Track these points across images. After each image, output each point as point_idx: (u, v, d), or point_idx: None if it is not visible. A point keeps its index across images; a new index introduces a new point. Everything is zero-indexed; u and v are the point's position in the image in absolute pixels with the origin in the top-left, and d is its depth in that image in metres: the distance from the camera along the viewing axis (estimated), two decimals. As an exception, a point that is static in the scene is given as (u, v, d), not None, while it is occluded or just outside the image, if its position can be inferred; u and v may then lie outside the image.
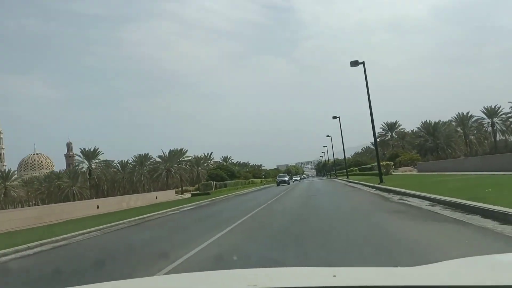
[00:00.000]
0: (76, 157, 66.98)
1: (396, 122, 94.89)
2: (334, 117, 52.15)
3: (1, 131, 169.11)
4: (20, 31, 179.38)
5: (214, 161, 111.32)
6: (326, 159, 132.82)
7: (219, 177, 68.47)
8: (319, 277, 1.46)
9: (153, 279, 2.28)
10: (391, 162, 43.33)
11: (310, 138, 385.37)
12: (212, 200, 31.99)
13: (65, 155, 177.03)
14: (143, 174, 71.13)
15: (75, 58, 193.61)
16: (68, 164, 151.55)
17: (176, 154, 74.00)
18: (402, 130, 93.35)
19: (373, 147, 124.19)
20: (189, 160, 78.09)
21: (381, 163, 37.14)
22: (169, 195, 40.81)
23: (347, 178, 46.03)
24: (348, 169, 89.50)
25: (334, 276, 1.26)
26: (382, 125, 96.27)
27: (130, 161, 76.69)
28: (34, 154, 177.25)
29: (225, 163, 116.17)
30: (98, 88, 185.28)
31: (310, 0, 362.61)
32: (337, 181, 46.98)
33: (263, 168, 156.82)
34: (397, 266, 1.70)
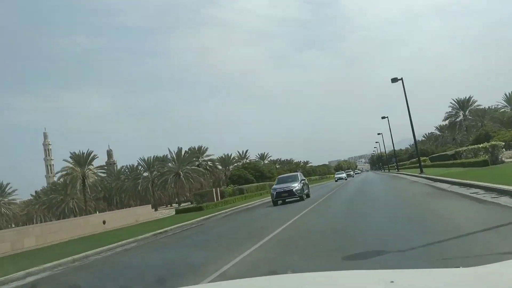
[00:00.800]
0: (67, 164, 55.32)
1: (469, 98, 74.98)
2: (383, 117, 52.65)
3: (50, 143, 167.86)
4: (72, 47, 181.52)
5: (250, 160, 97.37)
6: (380, 151, 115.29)
7: (243, 179, 53.62)
8: (375, 283, 1.43)
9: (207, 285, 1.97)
10: (500, 143, 26.00)
11: (361, 132, 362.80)
12: (181, 227, 17.25)
13: (106, 163, 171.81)
14: (153, 180, 58.16)
15: (125, 71, 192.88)
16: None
17: (192, 154, 60.01)
18: (479, 107, 73.42)
19: (438, 133, 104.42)
20: (210, 160, 63.88)
21: (486, 145, 21.59)
22: (139, 214, 26.35)
23: (422, 172, 29.12)
24: (412, 160, 71.18)
25: (392, 282, 1.20)
26: (451, 103, 76.83)
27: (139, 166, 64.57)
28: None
29: (262, 161, 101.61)
30: (148, 98, 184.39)
31: None
32: (408, 178, 29.27)
33: (310, 165, 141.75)
34: (459, 267, 1.55)
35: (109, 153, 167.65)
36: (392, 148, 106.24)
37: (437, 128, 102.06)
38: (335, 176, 63.16)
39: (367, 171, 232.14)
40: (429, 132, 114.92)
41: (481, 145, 27.11)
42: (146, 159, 61.76)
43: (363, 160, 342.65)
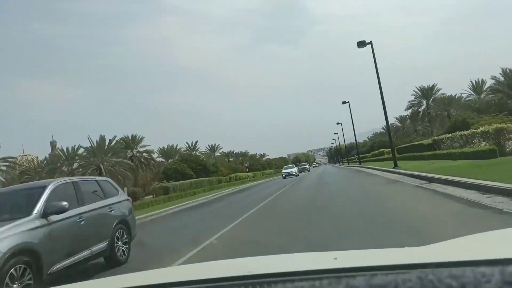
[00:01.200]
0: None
1: (433, 86, 69.70)
2: (344, 102, 48.52)
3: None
4: (28, 35, 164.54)
5: (200, 152, 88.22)
6: (339, 143, 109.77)
7: (179, 174, 44.88)
8: (320, 260, 1.47)
9: (154, 272, 1.92)
10: (509, 125, 19.04)
11: (321, 125, 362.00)
12: None
13: (50, 155, 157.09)
14: (73, 174, 48.49)
15: (86, 59, 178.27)
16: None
17: (122, 144, 50.33)
18: (443, 95, 68.24)
19: (399, 124, 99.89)
20: (146, 151, 54.46)
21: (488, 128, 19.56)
22: None
23: (396, 166, 21.81)
24: (374, 152, 65.48)
25: (335, 258, 1.26)
26: (414, 91, 71.36)
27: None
28: (22, 155, 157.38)
29: (212, 154, 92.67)
30: (110, 87, 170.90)
31: None
32: (381, 175, 21.62)
33: (266, 157, 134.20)
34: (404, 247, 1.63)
35: (53, 144, 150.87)
36: (352, 141, 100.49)
37: (397, 119, 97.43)
38: (283, 171, 52.09)
39: (325, 164, 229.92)
40: (390, 123, 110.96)
41: (480, 129, 20.14)
42: (66, 149, 51.49)
43: (321, 153, 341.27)
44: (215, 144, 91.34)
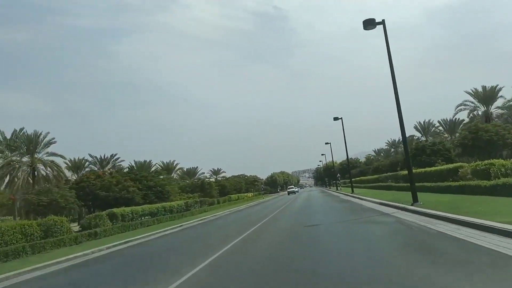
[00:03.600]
0: None
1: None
2: (336, 118, 42.81)
3: None
4: (7, 44, 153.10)
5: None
6: (327, 164, 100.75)
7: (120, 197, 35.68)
8: None
9: None
10: None
11: (308, 146, 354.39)
12: None
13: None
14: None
15: (64, 71, 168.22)
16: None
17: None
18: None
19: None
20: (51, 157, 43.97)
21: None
22: None
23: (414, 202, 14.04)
24: (373, 176, 57.91)
25: None
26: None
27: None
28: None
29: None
30: (89, 101, 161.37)
31: (302, 8, 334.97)
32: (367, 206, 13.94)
33: (222, 175, 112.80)
34: None
35: None
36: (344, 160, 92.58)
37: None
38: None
39: (310, 186, 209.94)
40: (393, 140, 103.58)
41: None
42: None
43: (306, 174, 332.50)
44: (171, 161, 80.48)
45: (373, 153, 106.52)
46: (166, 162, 77.78)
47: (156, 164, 74.40)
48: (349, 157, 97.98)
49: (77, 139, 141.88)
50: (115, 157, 62.19)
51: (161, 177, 45.78)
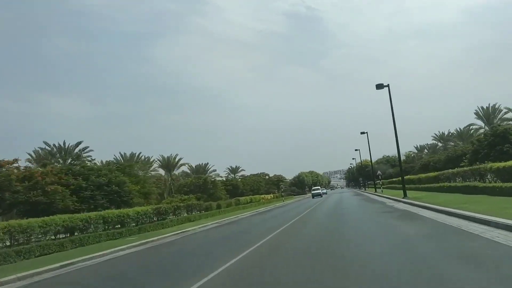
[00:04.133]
0: None
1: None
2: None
3: None
4: (54, 50, 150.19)
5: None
6: (361, 162, 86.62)
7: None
8: None
9: None
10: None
11: (340, 148, 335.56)
12: None
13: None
14: None
15: (107, 76, 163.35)
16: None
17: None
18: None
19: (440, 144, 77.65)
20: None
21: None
22: None
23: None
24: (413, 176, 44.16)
25: None
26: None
27: None
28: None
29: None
30: (129, 105, 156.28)
31: (336, 9, 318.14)
32: None
33: (241, 175, 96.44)
34: None
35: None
36: (382, 160, 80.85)
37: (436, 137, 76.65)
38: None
39: (342, 188, 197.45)
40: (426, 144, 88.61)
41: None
42: None
43: (338, 175, 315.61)
44: (173, 155, 68.05)
45: (414, 150, 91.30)
46: (167, 156, 65.91)
47: (157, 160, 62.96)
48: (377, 158, 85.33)
49: (119, 142, 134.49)
50: (82, 148, 47.36)
51: (140, 173, 33.81)
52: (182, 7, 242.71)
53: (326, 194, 78.49)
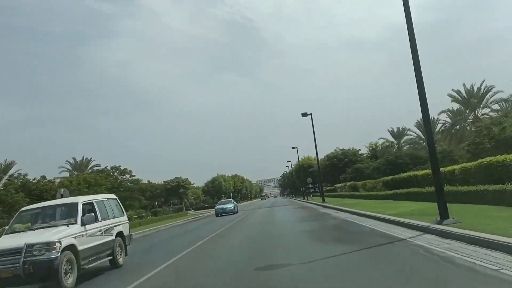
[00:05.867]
0: None
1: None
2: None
3: None
4: None
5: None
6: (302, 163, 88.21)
7: None
8: None
9: None
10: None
11: (273, 156, 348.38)
12: None
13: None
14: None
15: (31, 77, 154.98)
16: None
17: None
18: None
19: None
20: None
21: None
22: None
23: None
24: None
25: None
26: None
27: None
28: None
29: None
30: (56, 108, 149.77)
31: (271, 19, 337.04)
32: None
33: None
34: None
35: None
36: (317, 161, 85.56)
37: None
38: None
39: (275, 196, 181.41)
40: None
41: None
42: None
43: (272, 183, 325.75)
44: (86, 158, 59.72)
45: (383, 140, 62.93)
46: (79, 160, 61.96)
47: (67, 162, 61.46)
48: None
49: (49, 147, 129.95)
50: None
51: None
52: (115, 10, 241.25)
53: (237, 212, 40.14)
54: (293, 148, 66.07)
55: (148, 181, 69.83)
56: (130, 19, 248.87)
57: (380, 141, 62.31)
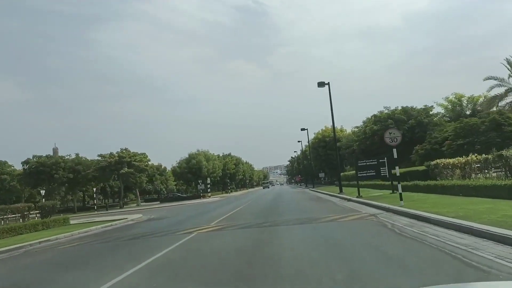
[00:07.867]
0: None
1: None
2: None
3: None
4: None
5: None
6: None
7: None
8: None
9: None
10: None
11: (281, 144, 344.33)
12: None
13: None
14: None
15: (41, 59, 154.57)
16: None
17: None
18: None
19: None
20: None
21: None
22: None
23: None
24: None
25: None
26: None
27: None
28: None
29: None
30: (65, 91, 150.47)
31: (283, 6, 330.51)
32: None
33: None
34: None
35: (55, 151, 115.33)
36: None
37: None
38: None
39: (281, 184, 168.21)
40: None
41: None
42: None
43: (278, 171, 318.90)
44: None
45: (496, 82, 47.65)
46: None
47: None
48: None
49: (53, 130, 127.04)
50: None
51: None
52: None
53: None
54: (302, 129, 59.44)
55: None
56: (143, 2, 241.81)
57: (488, 84, 35.59)
